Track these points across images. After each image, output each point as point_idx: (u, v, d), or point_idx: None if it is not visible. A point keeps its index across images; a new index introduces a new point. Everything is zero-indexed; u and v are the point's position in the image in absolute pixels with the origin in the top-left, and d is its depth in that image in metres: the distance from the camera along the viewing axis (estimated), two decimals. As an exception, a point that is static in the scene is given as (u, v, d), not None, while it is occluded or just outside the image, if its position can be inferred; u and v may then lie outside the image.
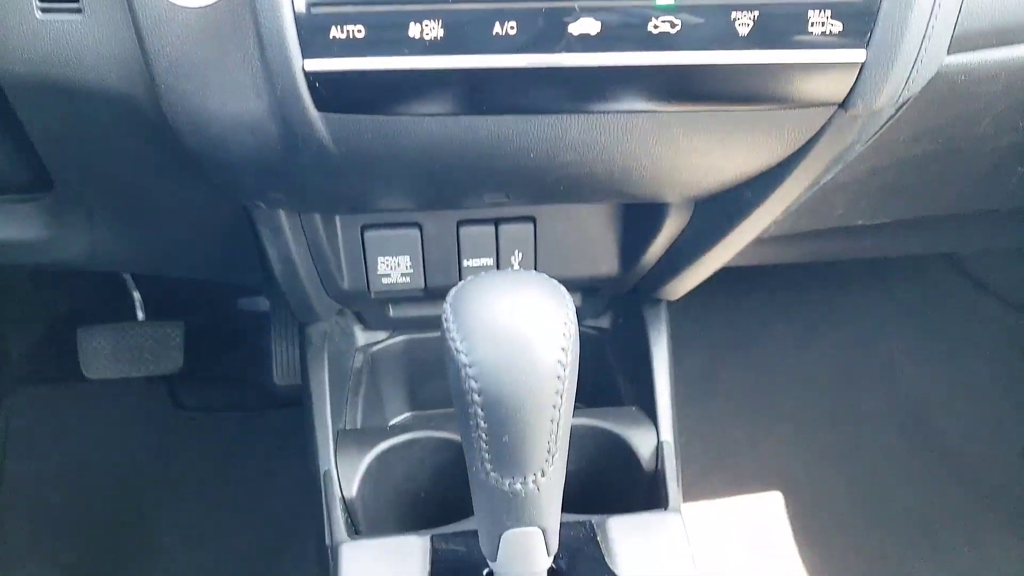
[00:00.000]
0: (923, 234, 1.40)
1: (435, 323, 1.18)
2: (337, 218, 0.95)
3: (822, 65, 0.67)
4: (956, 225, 1.37)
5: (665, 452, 1.02)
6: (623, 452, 1.04)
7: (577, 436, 1.05)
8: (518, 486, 0.62)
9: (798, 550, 1.60)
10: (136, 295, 1.65)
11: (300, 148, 0.69)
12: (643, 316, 1.14)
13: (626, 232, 1.01)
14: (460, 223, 0.97)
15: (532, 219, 0.97)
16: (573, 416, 1.04)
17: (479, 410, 0.58)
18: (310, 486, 1.04)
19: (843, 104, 0.69)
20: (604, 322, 1.24)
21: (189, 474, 1.70)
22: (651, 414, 1.06)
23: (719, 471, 1.71)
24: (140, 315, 1.66)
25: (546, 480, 0.62)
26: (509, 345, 0.57)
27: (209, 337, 1.77)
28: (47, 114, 0.77)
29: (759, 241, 1.26)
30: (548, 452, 0.61)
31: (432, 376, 1.24)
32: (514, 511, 0.64)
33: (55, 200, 0.93)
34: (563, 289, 0.61)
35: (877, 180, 1.01)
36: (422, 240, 0.98)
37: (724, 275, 1.94)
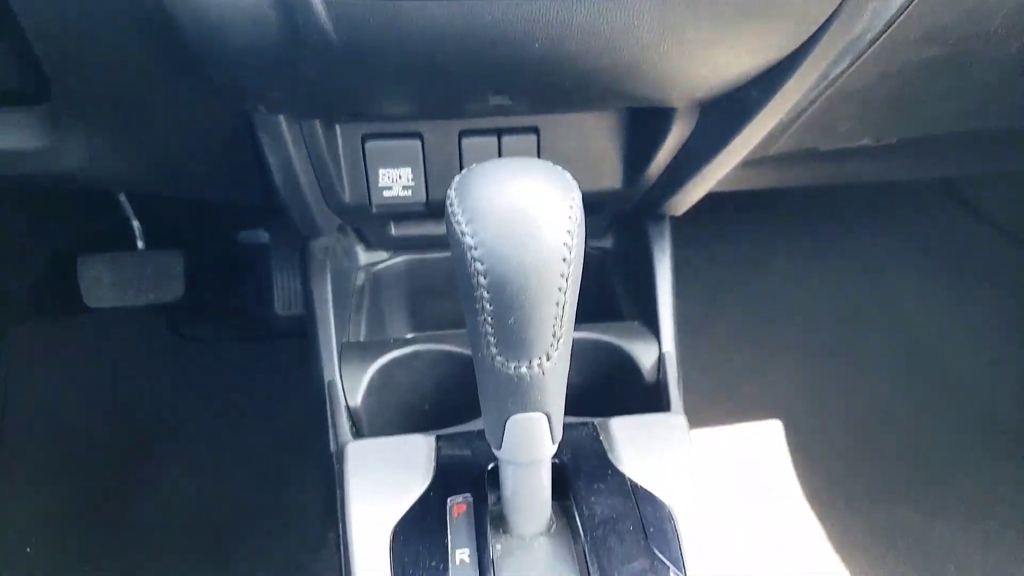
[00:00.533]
0: (923, 158, 1.39)
1: (437, 243, 1.18)
2: (338, 127, 0.94)
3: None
4: (956, 149, 1.37)
5: (667, 363, 1.02)
6: (625, 364, 1.04)
7: (580, 349, 1.05)
8: (523, 370, 0.62)
9: (797, 476, 1.62)
10: (136, 224, 1.64)
11: (301, 37, 0.68)
12: (647, 233, 1.13)
13: (631, 143, 0.99)
14: (462, 133, 0.96)
15: (535, 130, 0.96)
16: (576, 330, 1.05)
17: (485, 292, 0.57)
18: (315, 403, 1.04)
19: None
20: (607, 242, 1.23)
21: (191, 404, 1.71)
22: (653, 328, 1.06)
23: (721, 400, 1.73)
24: (140, 244, 1.65)
25: (551, 364, 0.62)
26: (514, 226, 0.56)
27: (209, 269, 1.77)
28: (45, 9, 0.75)
29: (763, 162, 1.25)
30: (553, 336, 0.61)
31: (435, 297, 1.23)
32: (519, 396, 0.64)
33: (53, 108, 0.92)
34: (568, 175, 0.60)
35: (883, 90, 0.99)
36: (423, 151, 0.97)
37: (728, 210, 1.94)
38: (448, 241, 0.59)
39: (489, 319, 0.59)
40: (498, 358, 0.61)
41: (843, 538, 1.48)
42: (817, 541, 1.48)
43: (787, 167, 1.36)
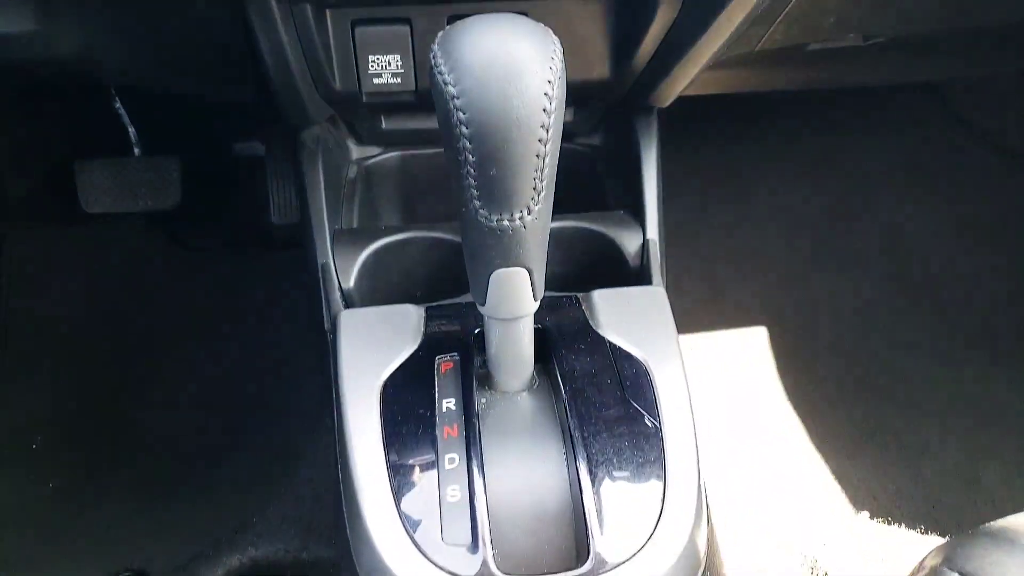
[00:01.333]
0: (909, 60, 1.40)
1: (429, 138, 1.20)
2: (328, 12, 0.95)
3: None
4: (942, 50, 1.38)
5: (650, 249, 1.05)
6: (610, 250, 1.07)
7: (566, 237, 1.08)
8: (506, 223, 0.64)
9: (780, 378, 1.67)
10: (132, 130, 1.65)
11: None
12: (634, 127, 1.15)
13: (618, 30, 1.01)
14: (450, 20, 0.97)
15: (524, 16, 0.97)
16: (562, 219, 1.08)
17: (467, 143, 0.59)
18: (311, 289, 1.07)
19: None
20: (596, 140, 1.25)
21: (188, 310, 1.75)
22: (639, 217, 1.09)
23: (708, 306, 1.76)
24: (136, 151, 1.67)
25: (532, 218, 0.65)
26: (496, 76, 0.58)
27: (205, 178, 1.78)
28: None
29: (750, 60, 1.26)
30: (535, 190, 0.63)
31: (427, 193, 1.26)
32: (502, 250, 0.67)
33: (44, -10, 0.93)
34: (550, 31, 0.62)
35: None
36: (412, 37, 0.98)
37: (719, 121, 1.95)
38: (436, 118, 0.61)
39: (472, 171, 0.61)
40: (481, 211, 0.64)
41: (823, 433, 1.53)
42: (796, 433, 1.53)
43: (775, 67, 1.37)
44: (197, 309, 1.75)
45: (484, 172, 0.61)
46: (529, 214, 0.65)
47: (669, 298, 0.95)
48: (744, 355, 1.71)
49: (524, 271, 0.70)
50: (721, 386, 1.66)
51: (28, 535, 1.37)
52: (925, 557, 0.73)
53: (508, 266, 0.69)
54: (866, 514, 1.38)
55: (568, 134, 1.20)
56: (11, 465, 1.51)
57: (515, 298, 0.72)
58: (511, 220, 0.64)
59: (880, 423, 1.56)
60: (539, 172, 0.63)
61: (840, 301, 1.76)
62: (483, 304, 0.73)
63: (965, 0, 1.12)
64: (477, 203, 0.64)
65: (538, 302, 0.74)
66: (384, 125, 1.17)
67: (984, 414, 1.58)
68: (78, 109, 1.67)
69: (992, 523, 0.72)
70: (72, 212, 1.75)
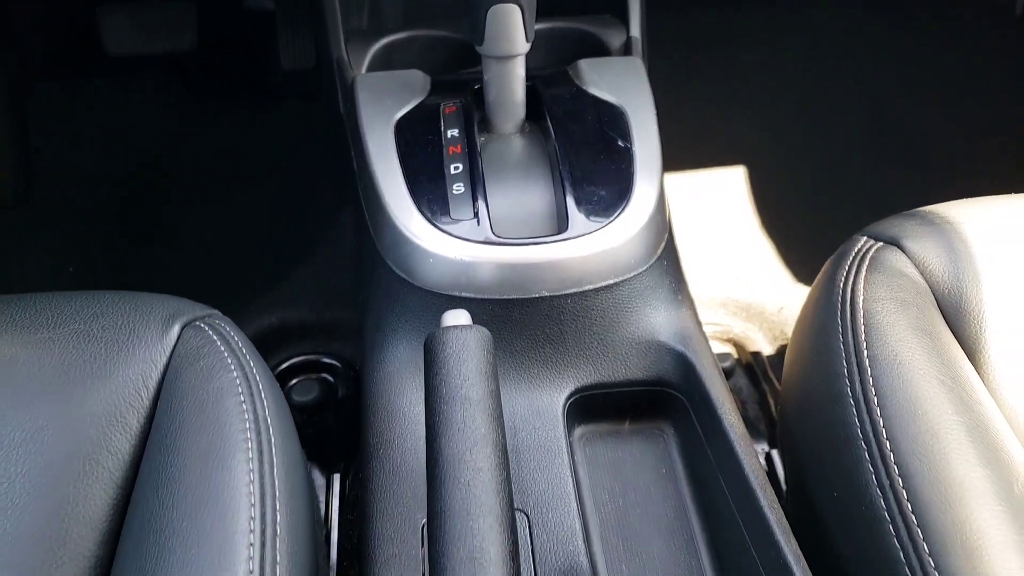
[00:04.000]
0: None
1: None
2: None
3: None
4: None
5: (633, 45, 1.17)
6: (597, 48, 1.18)
7: (556, 36, 1.19)
8: None
9: (757, 215, 1.80)
10: None
11: None
12: None
13: None
14: None
15: None
16: (550, 21, 1.18)
17: None
18: (327, 83, 1.19)
19: None
20: None
21: (204, 154, 1.86)
22: (623, 19, 1.20)
23: (693, 148, 1.88)
24: (153, -3, 1.77)
25: None
26: None
27: (219, 27, 1.88)
28: None
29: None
30: None
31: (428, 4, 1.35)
32: None
33: None
34: None
35: None
36: None
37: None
38: None
39: None
40: None
41: (792, 257, 1.66)
42: (765, 252, 1.66)
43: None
44: (211, 153, 1.87)
45: None
46: None
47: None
48: (722, 192, 1.84)
49: (517, 7, 0.81)
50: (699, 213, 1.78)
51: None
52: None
53: (503, 1, 0.81)
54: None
55: None
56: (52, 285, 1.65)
57: (508, 35, 0.83)
58: None
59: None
60: None
61: (816, 145, 1.87)
62: (480, 43, 0.85)
63: None
64: None
65: (529, 43, 0.86)
66: None
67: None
68: None
69: (915, 209, 0.85)
70: (94, 61, 1.85)
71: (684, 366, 0.83)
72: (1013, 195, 0.88)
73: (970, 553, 0.54)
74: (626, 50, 1.17)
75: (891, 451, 0.61)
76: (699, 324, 0.89)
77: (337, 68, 1.14)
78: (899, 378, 0.65)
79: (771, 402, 1.35)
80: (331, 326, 1.29)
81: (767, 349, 1.39)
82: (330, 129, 1.18)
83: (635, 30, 1.18)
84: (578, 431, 0.85)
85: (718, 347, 1.38)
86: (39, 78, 1.91)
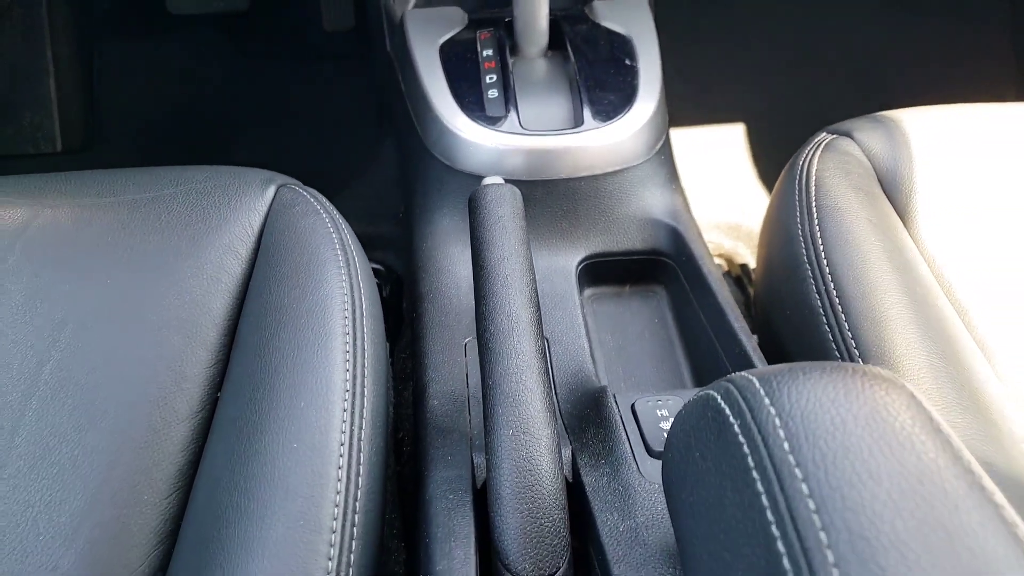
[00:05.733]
0: None
1: None
2: None
3: None
4: None
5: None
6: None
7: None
8: None
9: (751, 157, 1.98)
10: None
11: None
12: None
13: None
14: None
15: None
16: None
17: None
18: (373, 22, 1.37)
19: None
20: None
21: (250, 105, 2.06)
22: None
23: (697, 105, 2.07)
24: (210, -37, 1.96)
25: None
26: None
27: None
28: None
29: None
30: None
31: None
32: None
33: None
34: None
35: None
36: None
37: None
38: None
39: None
40: None
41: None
42: (755, 185, 1.85)
43: None
44: (257, 104, 2.07)
45: None
46: None
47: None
48: (721, 137, 2.02)
49: None
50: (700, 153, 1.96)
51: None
52: None
53: None
54: None
55: None
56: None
57: None
58: None
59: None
60: None
61: (810, 102, 2.05)
62: None
63: None
64: None
65: None
66: None
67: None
68: None
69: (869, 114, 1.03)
70: (149, 18, 2.05)
71: (675, 237, 1.02)
72: (952, 106, 1.06)
73: (879, 328, 0.72)
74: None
75: (829, 272, 0.79)
76: (688, 205, 1.08)
77: (385, 10, 1.33)
78: (840, 222, 0.83)
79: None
80: (375, 238, 1.48)
81: (752, 262, 1.58)
82: (375, 70, 1.36)
83: None
84: (587, 292, 1.04)
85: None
86: (105, 35, 2.11)
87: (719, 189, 1.80)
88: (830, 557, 0.35)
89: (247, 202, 0.86)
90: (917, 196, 0.89)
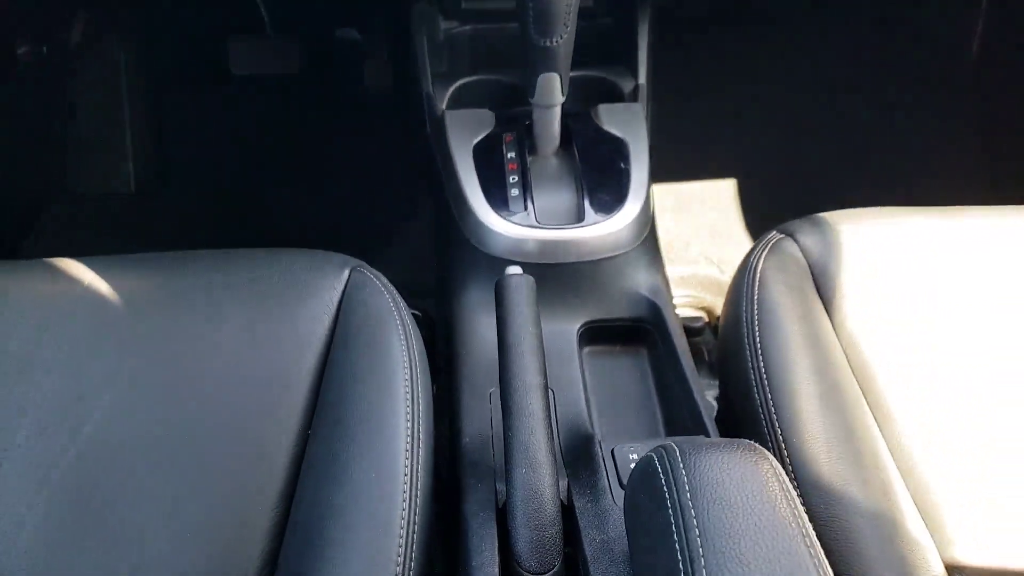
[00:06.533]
0: None
1: (499, 16, 1.74)
2: None
3: None
4: None
5: (640, 91, 1.61)
6: (613, 91, 1.63)
7: (580, 83, 1.64)
8: (549, 43, 1.21)
9: (735, 215, 2.23)
10: (265, 16, 2.23)
11: None
12: (635, 5, 1.69)
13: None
14: None
15: None
16: (579, 70, 1.63)
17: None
18: (415, 115, 1.64)
19: None
20: (607, 20, 1.78)
21: (300, 153, 2.35)
22: (632, 68, 1.65)
23: (685, 111, 2.32)
24: (268, 31, 2.25)
25: (563, 40, 1.21)
26: None
27: (316, 53, 2.36)
28: None
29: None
30: (564, 25, 1.19)
31: (493, 56, 1.80)
32: (545, 61, 1.23)
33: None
34: None
35: None
36: None
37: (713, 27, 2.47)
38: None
39: (531, 7, 1.17)
40: (535, 35, 1.20)
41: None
42: (735, 243, 2.11)
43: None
44: (306, 152, 2.36)
45: (540, 10, 1.17)
46: (562, 38, 1.21)
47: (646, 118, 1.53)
48: (707, 195, 2.28)
49: (557, 76, 1.27)
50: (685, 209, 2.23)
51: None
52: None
53: (547, 71, 1.26)
54: None
55: (589, 13, 1.74)
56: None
57: (551, 93, 1.28)
58: (551, 41, 1.21)
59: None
60: (569, 12, 1.18)
61: (789, 162, 2.31)
62: (532, 97, 1.31)
63: None
64: (532, 28, 1.20)
65: (564, 96, 1.31)
66: (464, 5, 1.72)
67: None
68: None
69: (814, 214, 1.28)
70: (214, 77, 2.34)
71: (655, 309, 1.29)
72: (890, 208, 1.31)
73: (793, 400, 0.99)
74: (634, 94, 1.62)
75: (761, 353, 1.05)
76: (667, 284, 1.35)
77: (427, 101, 1.60)
78: (772, 312, 1.09)
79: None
80: (413, 286, 1.75)
81: (726, 315, 1.86)
82: (415, 145, 1.64)
83: (641, 78, 1.63)
84: (586, 350, 1.31)
85: (692, 312, 1.84)
86: (174, 88, 2.40)
87: (701, 243, 2.07)
88: (703, 564, 0.62)
89: (328, 283, 1.11)
90: (841, 292, 1.15)
